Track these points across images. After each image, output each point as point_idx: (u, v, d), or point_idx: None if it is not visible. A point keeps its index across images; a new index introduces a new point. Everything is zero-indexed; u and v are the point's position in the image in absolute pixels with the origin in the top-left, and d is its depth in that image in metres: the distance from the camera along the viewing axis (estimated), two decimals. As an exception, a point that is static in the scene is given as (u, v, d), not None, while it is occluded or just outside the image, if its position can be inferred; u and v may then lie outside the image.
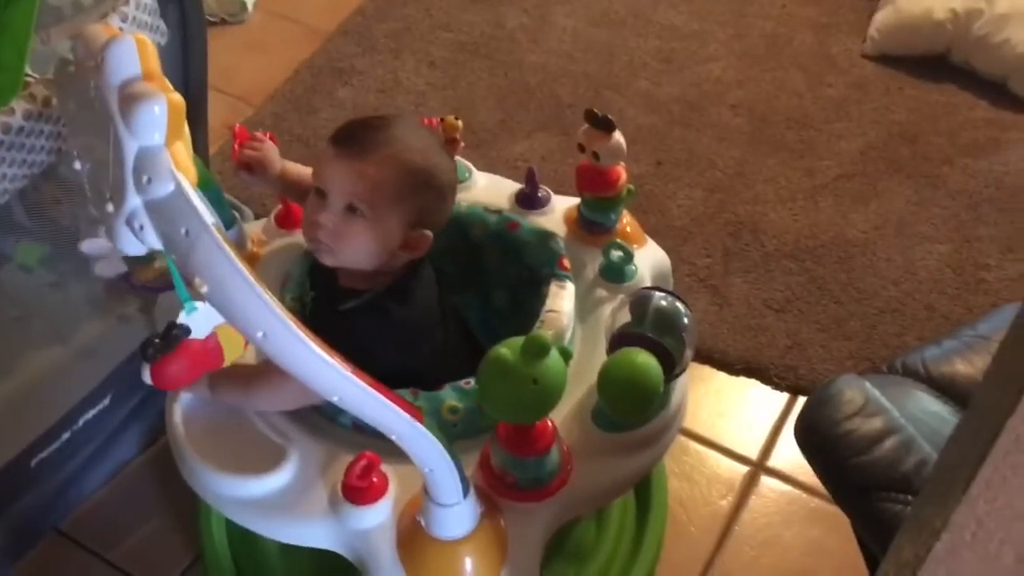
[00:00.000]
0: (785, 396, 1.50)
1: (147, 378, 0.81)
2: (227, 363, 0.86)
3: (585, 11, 2.17)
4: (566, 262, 1.12)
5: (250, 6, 2.16)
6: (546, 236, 1.15)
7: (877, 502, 0.90)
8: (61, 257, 1.16)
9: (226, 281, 0.66)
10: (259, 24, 2.16)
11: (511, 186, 1.25)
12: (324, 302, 1.07)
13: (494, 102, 1.95)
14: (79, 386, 1.23)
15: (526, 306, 1.13)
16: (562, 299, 1.08)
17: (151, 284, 1.07)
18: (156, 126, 0.66)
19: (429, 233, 1.05)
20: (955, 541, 0.45)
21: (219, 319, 0.81)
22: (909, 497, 0.90)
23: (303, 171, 1.14)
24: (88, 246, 1.00)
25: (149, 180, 0.65)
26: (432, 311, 1.09)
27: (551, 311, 1.06)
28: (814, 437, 0.98)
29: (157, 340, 0.78)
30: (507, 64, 2.03)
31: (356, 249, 1.02)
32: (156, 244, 0.68)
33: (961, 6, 1.98)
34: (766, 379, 1.51)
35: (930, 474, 0.87)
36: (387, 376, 0.78)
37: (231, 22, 2.14)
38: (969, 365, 1.04)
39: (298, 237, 1.13)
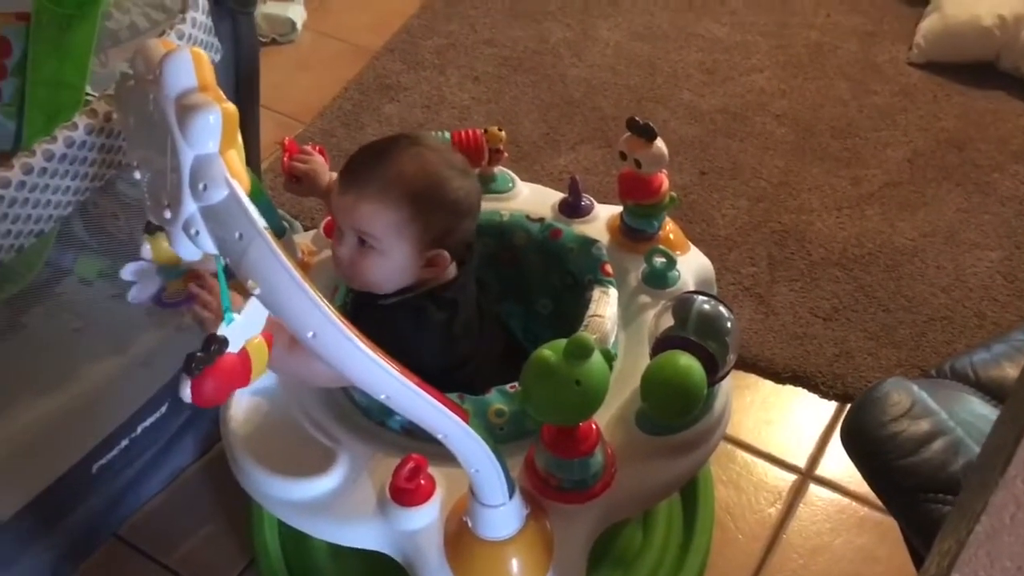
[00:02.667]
0: (833, 404, 1.49)
1: (187, 395, 0.75)
2: (254, 380, 0.84)
3: (628, 25, 2.18)
4: (609, 268, 1.13)
5: (299, 26, 2.21)
6: (588, 243, 1.16)
7: (925, 503, 0.89)
8: (119, 271, 1.19)
9: (278, 282, 0.69)
10: (308, 43, 2.21)
11: (554, 195, 1.26)
12: (365, 296, 1.09)
13: (538, 115, 1.97)
14: (137, 395, 1.27)
15: (569, 313, 1.14)
16: (605, 304, 1.09)
17: (179, 298, 1.10)
18: (211, 135, 0.68)
19: (445, 253, 1.05)
20: (995, 524, 0.45)
21: (252, 333, 0.80)
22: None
23: (351, 183, 1.16)
24: (127, 271, 1.03)
25: (205, 187, 0.68)
26: (470, 321, 1.10)
27: (595, 316, 1.07)
28: (861, 439, 0.97)
29: (200, 353, 0.76)
30: (550, 78, 2.05)
31: (374, 277, 1.05)
32: (211, 249, 0.71)
33: (1009, 12, 1.96)
34: (813, 387, 1.51)
35: (973, 465, 0.86)
36: (421, 377, 0.79)
37: (281, 42, 2.19)
38: (1019, 369, 1.03)
39: (347, 247, 1.15)
